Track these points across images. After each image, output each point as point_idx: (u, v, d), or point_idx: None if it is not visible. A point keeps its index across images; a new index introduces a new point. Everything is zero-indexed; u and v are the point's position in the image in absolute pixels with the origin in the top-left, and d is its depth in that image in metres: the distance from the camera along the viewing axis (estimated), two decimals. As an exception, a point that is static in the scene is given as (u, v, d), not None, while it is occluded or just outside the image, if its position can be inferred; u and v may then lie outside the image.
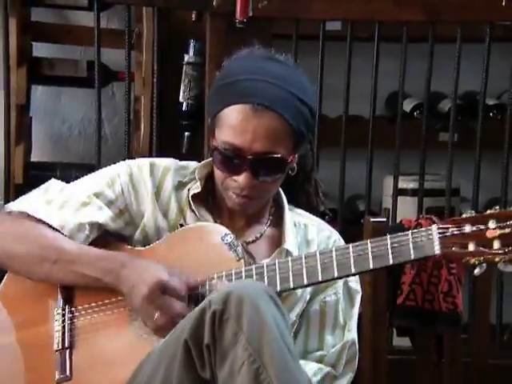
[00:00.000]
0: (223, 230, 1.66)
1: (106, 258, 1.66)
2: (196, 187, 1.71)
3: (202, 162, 1.75)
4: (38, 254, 1.66)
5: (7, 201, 2.61)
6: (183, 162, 1.76)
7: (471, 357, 1.91)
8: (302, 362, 1.61)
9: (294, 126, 1.61)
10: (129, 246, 1.72)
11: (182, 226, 1.70)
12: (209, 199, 1.73)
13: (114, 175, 1.73)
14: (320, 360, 1.67)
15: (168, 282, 1.58)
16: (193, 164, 1.77)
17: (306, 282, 1.58)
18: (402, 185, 2.75)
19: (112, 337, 1.66)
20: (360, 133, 2.68)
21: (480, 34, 2.64)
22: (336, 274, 1.57)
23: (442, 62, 2.76)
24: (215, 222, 1.71)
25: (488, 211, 1.52)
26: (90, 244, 1.71)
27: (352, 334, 1.70)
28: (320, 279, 1.58)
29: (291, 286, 1.58)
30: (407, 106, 3.01)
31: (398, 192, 2.70)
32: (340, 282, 1.70)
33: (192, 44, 2.76)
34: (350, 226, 2.80)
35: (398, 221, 2.32)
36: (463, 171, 2.80)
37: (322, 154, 2.67)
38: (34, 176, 2.77)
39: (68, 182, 1.79)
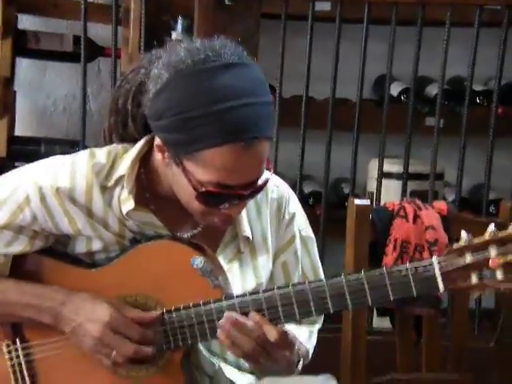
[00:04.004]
0: (189, 252, 1.53)
1: (41, 295, 1.54)
2: (127, 199, 1.54)
3: (126, 165, 1.54)
4: None
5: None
6: (97, 159, 1.56)
7: (450, 339, 1.92)
8: (293, 326, 1.59)
9: (272, 135, 1.51)
10: (77, 268, 1.56)
11: (136, 240, 1.56)
12: (146, 196, 1.57)
13: (21, 200, 1.54)
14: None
15: (119, 322, 1.51)
16: (103, 156, 1.56)
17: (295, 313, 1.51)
18: (386, 168, 2.75)
19: (80, 375, 1.55)
20: (346, 116, 2.68)
21: (469, 19, 2.63)
22: (331, 309, 1.50)
23: (431, 46, 2.75)
24: (162, 222, 1.56)
25: (486, 235, 1.46)
26: (30, 272, 1.57)
27: None
28: (314, 313, 1.51)
29: (282, 319, 1.50)
30: (394, 89, 3.00)
31: (383, 175, 2.70)
32: (297, 238, 1.66)
33: (180, 21, 2.74)
34: (335, 209, 2.80)
35: (381, 204, 2.32)
36: (448, 156, 2.81)
37: (308, 136, 2.67)
38: (18, 150, 2.76)
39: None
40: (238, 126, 1.44)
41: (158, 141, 1.52)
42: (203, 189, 1.48)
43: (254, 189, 1.50)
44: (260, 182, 1.51)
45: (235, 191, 1.49)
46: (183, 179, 1.49)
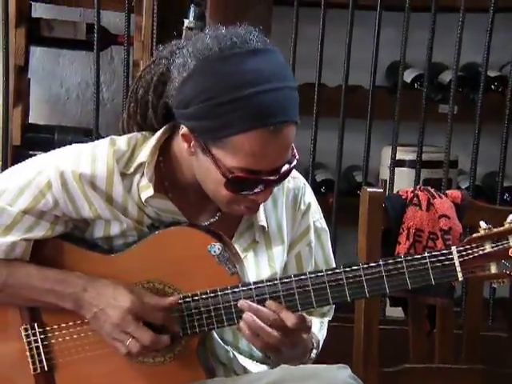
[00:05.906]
0: (207, 239, 1.53)
1: (63, 281, 1.55)
2: (146, 187, 1.55)
3: (146, 153, 1.55)
4: None
5: (5, 162, 2.62)
6: (118, 146, 1.57)
7: (463, 329, 1.92)
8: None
9: (298, 120, 1.50)
10: (95, 253, 1.57)
11: (154, 226, 1.57)
12: (165, 184, 1.58)
13: (43, 185, 1.55)
14: (310, 312, 1.63)
15: (140, 308, 1.52)
16: (124, 143, 1.57)
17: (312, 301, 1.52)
18: (399, 156, 2.74)
19: (97, 360, 1.56)
20: (359, 103, 2.67)
21: (483, 4, 2.61)
22: (349, 298, 1.50)
23: (445, 33, 2.73)
24: (180, 210, 1.57)
25: (506, 224, 1.47)
26: (50, 257, 1.57)
27: None
28: (331, 301, 1.52)
29: (298, 307, 1.51)
30: (408, 76, 2.98)
31: (396, 163, 2.69)
32: (312, 229, 1.67)
33: (192, 8, 2.73)
34: (347, 197, 2.79)
35: (394, 192, 2.31)
36: (462, 144, 2.79)
37: (320, 124, 2.66)
38: (32, 138, 2.77)
39: (65, 145, 1.65)
40: (267, 111, 1.44)
41: (184, 130, 1.52)
42: (232, 175, 1.48)
43: (280, 174, 1.51)
44: (285, 167, 1.52)
45: (263, 177, 1.49)
46: (211, 167, 1.49)
